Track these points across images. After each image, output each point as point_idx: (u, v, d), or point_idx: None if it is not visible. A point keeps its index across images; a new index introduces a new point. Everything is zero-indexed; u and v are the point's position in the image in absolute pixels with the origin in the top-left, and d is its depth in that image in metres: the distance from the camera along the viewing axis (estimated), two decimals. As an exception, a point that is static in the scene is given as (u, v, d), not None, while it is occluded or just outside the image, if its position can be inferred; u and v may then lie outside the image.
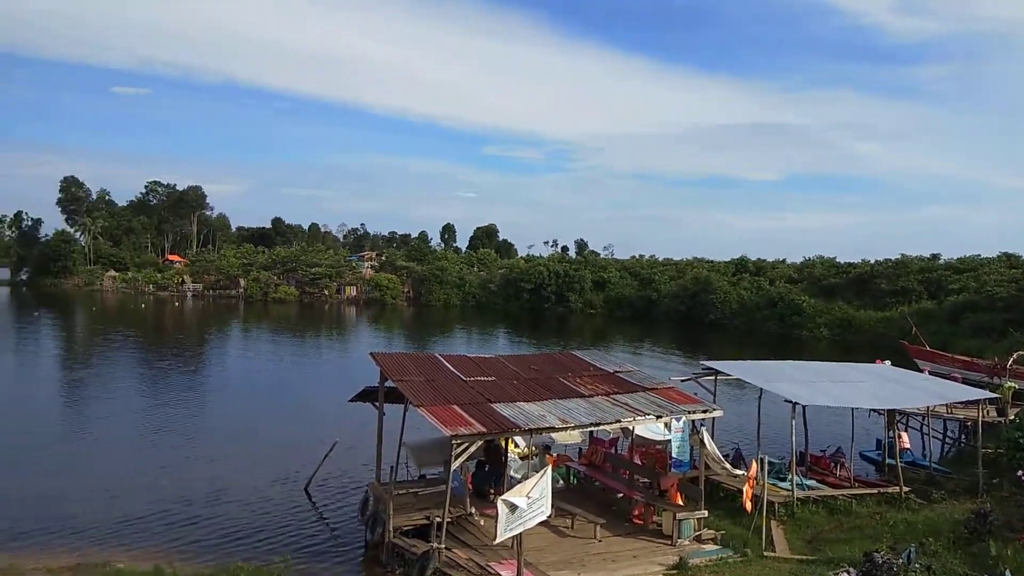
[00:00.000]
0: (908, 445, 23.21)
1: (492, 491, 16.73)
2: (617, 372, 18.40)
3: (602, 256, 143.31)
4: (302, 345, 57.56)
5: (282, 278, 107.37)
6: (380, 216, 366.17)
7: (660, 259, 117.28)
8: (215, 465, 22.14)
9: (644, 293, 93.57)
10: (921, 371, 27.35)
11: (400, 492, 16.06)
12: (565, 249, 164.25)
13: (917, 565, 12.34)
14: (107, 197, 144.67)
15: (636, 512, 16.70)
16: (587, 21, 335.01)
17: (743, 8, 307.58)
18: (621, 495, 17.71)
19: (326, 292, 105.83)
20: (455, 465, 13.83)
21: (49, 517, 17.19)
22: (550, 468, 13.50)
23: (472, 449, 13.96)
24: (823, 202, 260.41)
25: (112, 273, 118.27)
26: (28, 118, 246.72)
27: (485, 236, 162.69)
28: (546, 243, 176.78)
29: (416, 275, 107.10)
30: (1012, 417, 21.44)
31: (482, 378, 16.51)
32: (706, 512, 16.00)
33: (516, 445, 18.88)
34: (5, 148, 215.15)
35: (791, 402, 17.86)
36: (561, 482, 18.74)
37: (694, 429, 16.52)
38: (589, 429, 15.95)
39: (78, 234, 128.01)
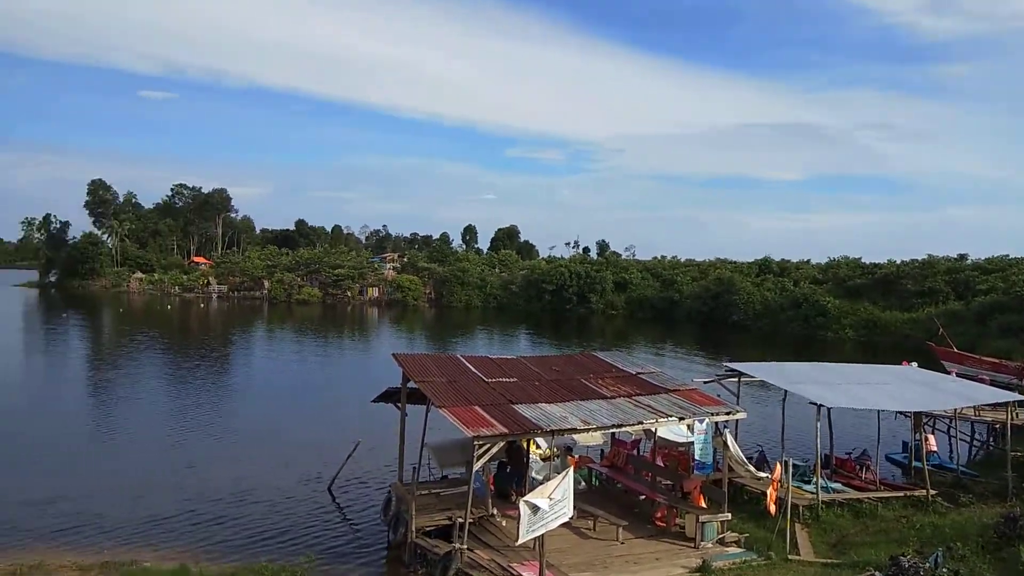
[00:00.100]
0: (935, 448, 22.87)
1: (514, 492, 16.75)
2: (639, 373, 18.34)
3: (623, 257, 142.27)
4: (325, 346, 57.96)
5: (305, 280, 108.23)
6: (402, 218, 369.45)
7: (682, 260, 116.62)
8: (240, 465, 22.36)
9: (666, 294, 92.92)
10: (948, 373, 26.96)
11: (422, 493, 16.14)
12: (586, 250, 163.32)
13: (945, 569, 12.17)
14: (134, 200, 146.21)
15: (659, 514, 16.59)
16: (606, 21, 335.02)
17: (765, 9, 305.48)
18: (643, 497, 17.61)
19: (348, 293, 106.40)
20: (477, 466, 13.84)
21: (78, 516, 17.46)
22: (572, 469, 13.46)
23: (494, 450, 13.98)
24: (848, 202, 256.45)
25: (139, 275, 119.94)
26: (59, 121, 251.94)
27: (506, 237, 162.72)
28: (567, 244, 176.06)
29: (438, 276, 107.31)
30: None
31: (504, 379, 16.54)
32: (729, 515, 15.91)
33: (538, 446, 18.90)
34: (30, 150, 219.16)
35: (816, 404, 17.71)
36: (583, 484, 18.65)
37: (717, 431, 16.39)
38: (611, 431, 15.93)
39: (105, 236, 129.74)
